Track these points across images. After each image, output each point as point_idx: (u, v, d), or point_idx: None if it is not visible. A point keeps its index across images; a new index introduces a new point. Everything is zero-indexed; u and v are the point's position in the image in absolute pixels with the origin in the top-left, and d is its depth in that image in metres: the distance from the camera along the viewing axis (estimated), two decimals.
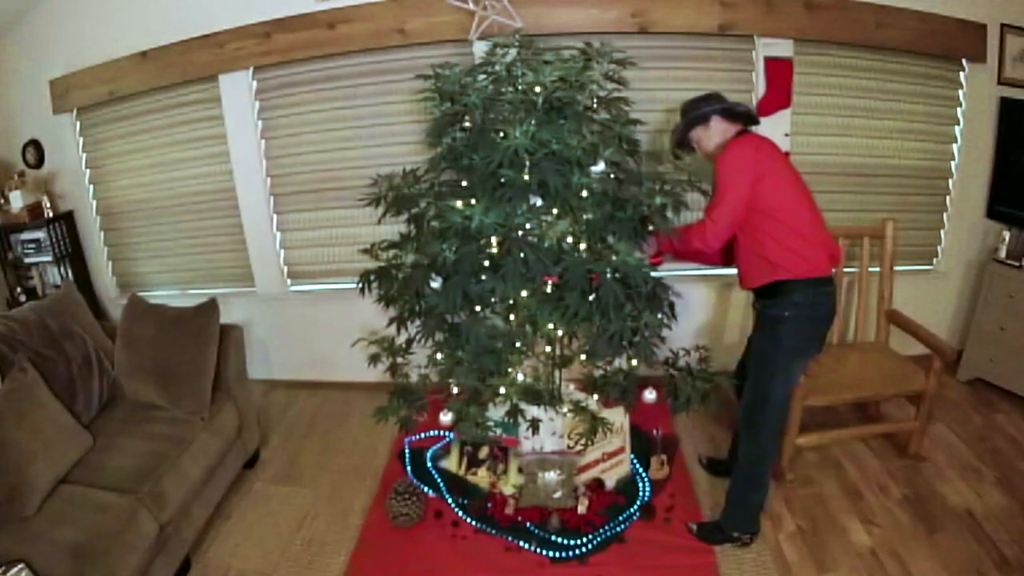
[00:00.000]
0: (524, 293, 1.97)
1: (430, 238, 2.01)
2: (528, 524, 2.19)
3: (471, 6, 2.52)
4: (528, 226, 1.94)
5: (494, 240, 1.87)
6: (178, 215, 3.27)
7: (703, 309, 3.06)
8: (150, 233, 3.34)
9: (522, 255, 1.85)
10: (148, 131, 3.15)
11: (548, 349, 2.23)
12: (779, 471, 2.41)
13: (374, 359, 2.28)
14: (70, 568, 1.64)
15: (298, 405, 3.21)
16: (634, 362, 2.09)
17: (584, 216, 1.96)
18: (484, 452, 2.45)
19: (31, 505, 1.81)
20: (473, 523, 2.23)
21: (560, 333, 2.10)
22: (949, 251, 3.10)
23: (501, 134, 1.88)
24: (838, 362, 2.53)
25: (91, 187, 3.32)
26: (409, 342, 2.25)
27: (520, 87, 1.92)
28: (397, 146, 2.93)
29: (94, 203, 3.35)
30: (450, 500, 2.34)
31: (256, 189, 3.09)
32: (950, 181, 3.02)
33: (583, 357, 2.12)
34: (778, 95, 2.77)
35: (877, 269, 2.68)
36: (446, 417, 2.37)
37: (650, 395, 2.37)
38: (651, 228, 1.99)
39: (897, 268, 2.69)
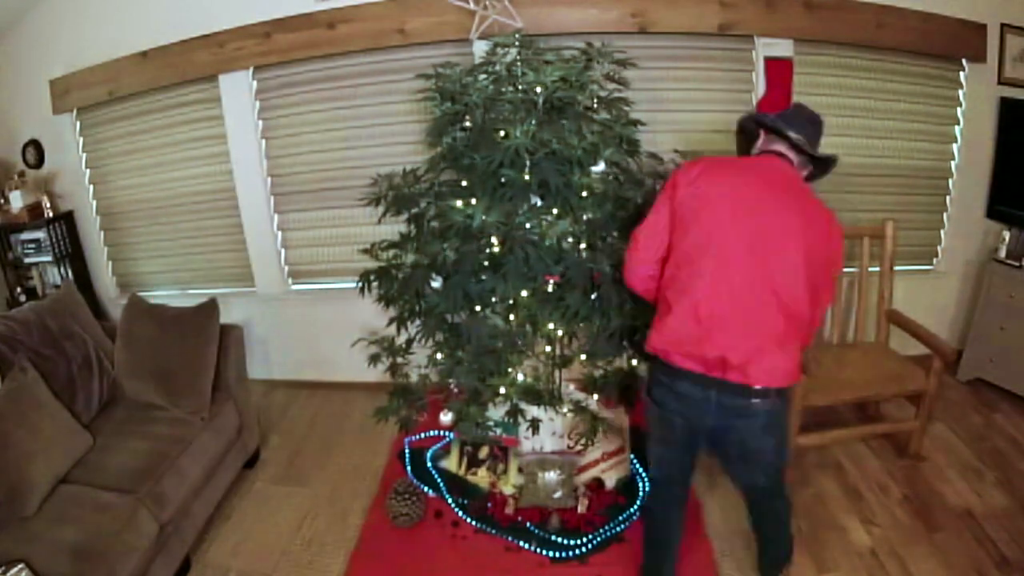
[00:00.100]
0: (524, 293, 1.97)
1: (430, 238, 2.02)
2: (528, 524, 2.19)
3: (471, 6, 2.52)
4: (528, 225, 1.94)
5: (495, 239, 1.87)
6: (178, 215, 3.26)
7: None
8: (150, 233, 3.34)
9: (523, 254, 1.85)
10: (148, 131, 3.15)
11: (548, 349, 2.23)
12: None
13: (374, 359, 2.28)
14: (70, 568, 1.64)
15: (298, 405, 3.21)
16: (634, 362, 2.10)
17: (584, 216, 1.97)
18: (484, 452, 2.45)
19: (31, 505, 1.81)
20: (473, 523, 2.23)
21: (560, 333, 2.10)
22: (949, 251, 3.10)
23: (502, 134, 1.88)
24: (838, 362, 2.53)
25: (91, 187, 3.32)
26: (409, 342, 2.25)
27: (521, 87, 1.92)
28: (397, 146, 2.93)
29: (94, 203, 3.35)
30: (450, 500, 2.33)
31: (256, 189, 3.08)
32: (950, 181, 3.02)
33: (583, 357, 2.12)
34: (778, 95, 2.77)
35: (877, 269, 2.68)
36: (446, 417, 2.37)
37: None
38: None
39: (897, 268, 2.69)
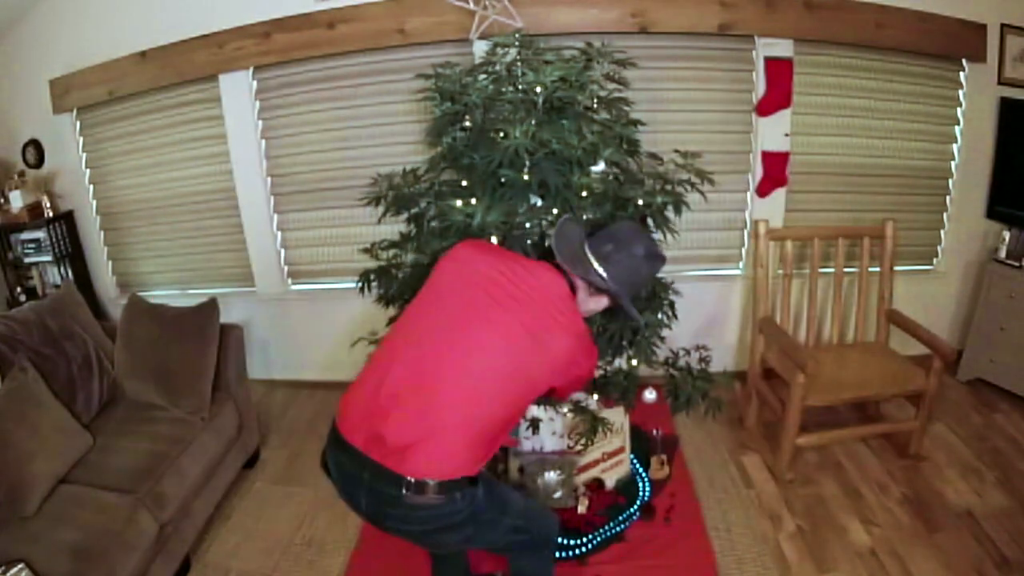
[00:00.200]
0: None
1: (430, 237, 2.01)
2: None
3: (471, 6, 2.52)
4: (528, 225, 1.94)
5: (495, 239, 1.87)
6: (178, 215, 3.26)
7: (703, 309, 3.06)
8: (150, 233, 3.34)
9: (523, 254, 1.85)
10: (148, 131, 3.15)
11: None
12: (779, 471, 2.42)
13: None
14: (70, 568, 1.64)
15: (298, 405, 3.21)
16: (634, 362, 2.09)
17: (584, 216, 1.96)
18: None
19: (31, 505, 1.81)
20: None
21: None
22: (949, 251, 3.10)
23: (501, 134, 1.88)
24: (838, 362, 2.53)
25: (91, 187, 3.32)
26: None
27: (520, 87, 1.92)
28: (397, 146, 2.93)
29: (94, 203, 3.35)
30: None
31: (256, 189, 3.09)
32: (950, 181, 3.02)
33: None
34: (778, 95, 2.77)
35: (877, 269, 2.68)
36: None
37: (650, 395, 2.38)
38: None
39: (897, 268, 2.69)
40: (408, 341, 1.37)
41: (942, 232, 3.10)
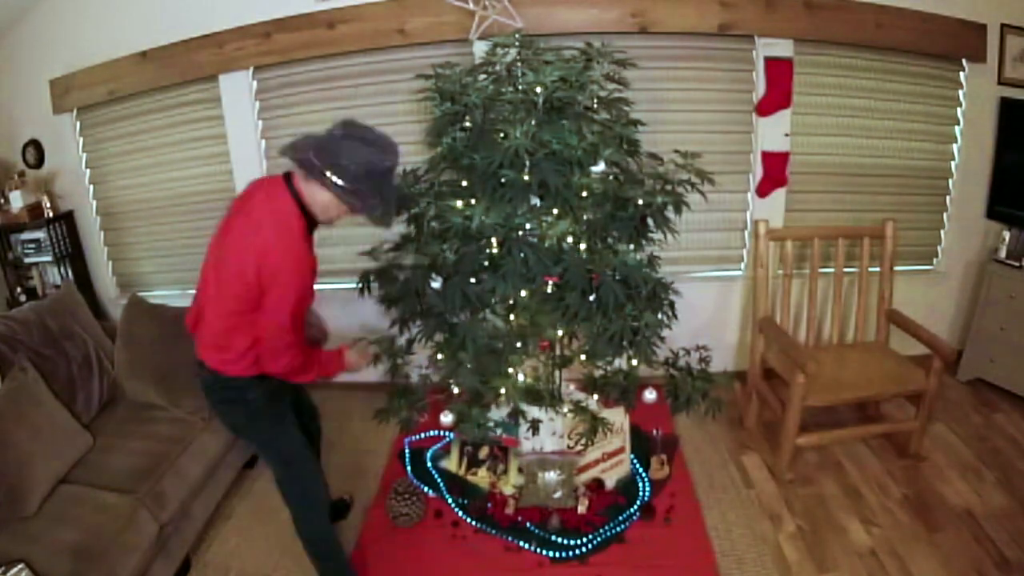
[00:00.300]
0: (524, 293, 1.97)
1: (430, 238, 2.02)
2: (528, 524, 2.19)
3: (471, 6, 2.52)
4: (528, 226, 1.94)
5: (494, 240, 1.87)
6: (178, 215, 3.26)
7: (703, 309, 3.06)
8: (150, 233, 3.34)
9: (522, 255, 1.85)
10: (148, 131, 3.15)
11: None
12: (779, 471, 2.42)
13: (374, 359, 2.28)
14: (70, 568, 1.64)
15: None
16: (634, 362, 2.09)
17: (584, 216, 1.97)
18: (484, 452, 2.45)
19: (31, 505, 1.81)
20: (473, 523, 2.23)
21: (560, 333, 2.10)
22: (949, 251, 3.10)
23: (501, 134, 1.88)
24: (838, 362, 2.53)
25: (91, 187, 3.32)
26: (410, 343, 2.25)
27: (520, 87, 1.92)
28: (397, 146, 2.92)
29: (94, 203, 3.35)
30: (450, 500, 2.34)
31: None
32: (950, 181, 3.02)
33: (583, 357, 2.12)
34: (778, 95, 2.77)
35: (877, 269, 2.68)
36: (447, 418, 2.37)
37: (650, 395, 2.38)
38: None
39: (897, 268, 2.69)
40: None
41: (942, 232, 3.10)
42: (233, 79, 2.93)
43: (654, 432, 2.52)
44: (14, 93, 3.22)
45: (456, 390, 2.23)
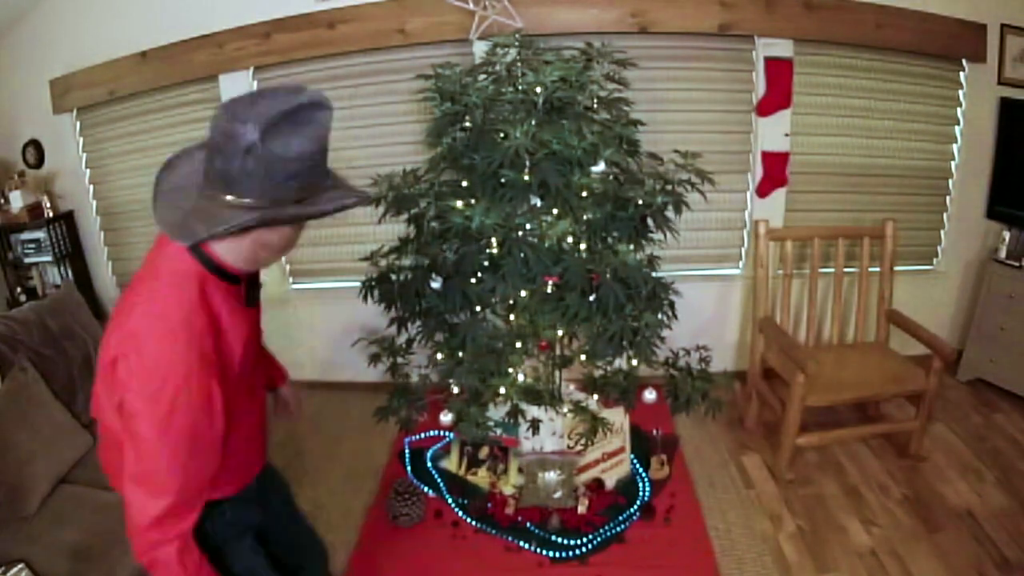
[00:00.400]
0: (524, 293, 1.97)
1: (430, 239, 2.02)
2: (528, 524, 2.19)
3: (471, 6, 2.52)
4: (528, 226, 1.94)
5: (494, 240, 1.87)
6: None
7: (703, 309, 3.06)
8: (150, 233, 3.31)
9: (522, 255, 1.86)
10: (148, 131, 3.15)
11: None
12: (779, 471, 2.42)
13: (374, 359, 2.28)
14: (70, 568, 1.64)
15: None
16: (634, 362, 2.10)
17: (584, 216, 1.97)
18: (484, 452, 2.45)
19: (31, 505, 1.81)
20: (473, 523, 2.23)
21: (560, 333, 2.10)
22: (949, 251, 3.10)
23: (501, 134, 1.88)
24: (838, 362, 2.53)
25: (91, 187, 3.32)
26: (409, 342, 2.25)
27: (520, 87, 1.92)
28: (397, 146, 2.93)
29: (94, 203, 3.35)
30: (450, 500, 2.34)
31: None
32: (950, 181, 3.02)
33: (583, 357, 2.12)
34: (778, 95, 2.77)
35: (877, 269, 2.68)
36: (446, 417, 2.37)
37: (650, 395, 2.38)
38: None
39: (897, 268, 2.69)
40: None
41: (942, 232, 3.10)
42: (233, 79, 2.93)
43: (654, 432, 2.52)
44: (14, 93, 3.22)
45: (456, 390, 2.23)
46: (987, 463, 2.46)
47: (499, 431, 2.21)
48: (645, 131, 2.20)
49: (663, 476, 2.41)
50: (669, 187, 1.98)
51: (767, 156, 2.85)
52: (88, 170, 3.30)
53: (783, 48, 2.73)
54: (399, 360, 2.29)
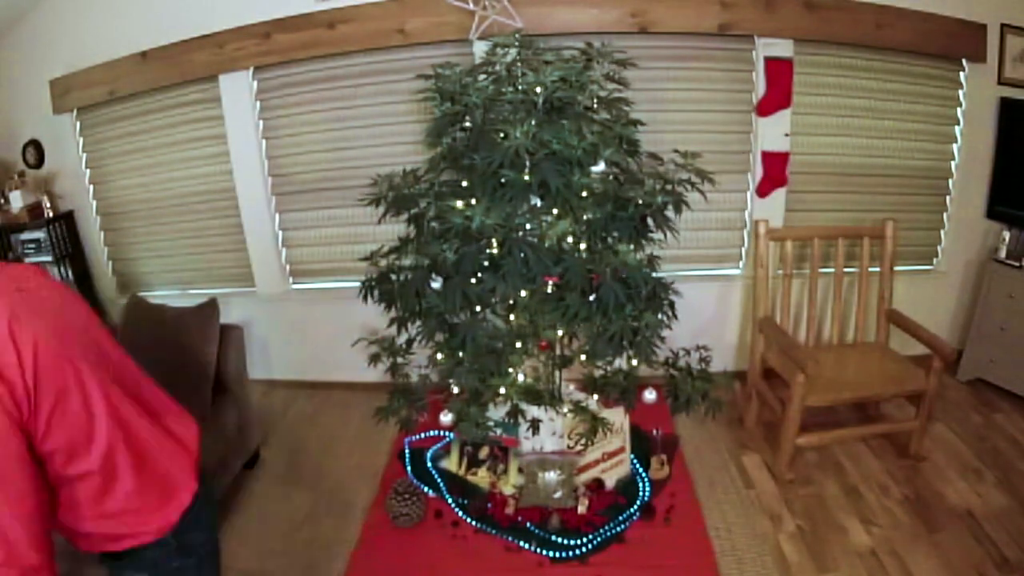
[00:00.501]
0: (524, 293, 1.97)
1: (430, 238, 2.02)
2: (528, 524, 2.19)
3: (471, 6, 2.52)
4: (528, 226, 1.94)
5: (494, 240, 1.87)
6: (178, 215, 3.27)
7: (703, 309, 3.06)
8: (150, 233, 3.34)
9: (522, 255, 1.86)
10: (148, 131, 3.15)
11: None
12: (779, 471, 2.42)
13: (374, 359, 2.28)
14: (70, 568, 1.64)
15: (298, 405, 3.21)
16: (634, 362, 2.10)
17: (584, 216, 1.97)
18: (484, 452, 2.45)
19: None
20: (473, 523, 2.23)
21: (560, 333, 2.10)
22: (949, 251, 3.10)
23: (501, 134, 1.88)
24: (838, 362, 2.53)
25: (91, 187, 3.32)
26: (409, 342, 2.25)
27: (520, 87, 1.92)
28: (397, 146, 2.93)
29: (94, 203, 3.35)
30: (450, 500, 2.34)
31: (256, 189, 3.09)
32: (950, 181, 3.02)
33: (583, 357, 2.12)
34: (778, 95, 2.77)
35: (877, 269, 2.68)
36: (446, 417, 2.37)
37: (650, 395, 2.38)
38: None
39: (897, 268, 2.69)
40: None
41: (942, 232, 3.10)
42: (233, 79, 2.93)
43: (654, 432, 2.52)
44: (14, 93, 3.22)
45: (456, 390, 2.24)
46: (987, 463, 2.46)
47: (499, 431, 2.21)
48: (645, 131, 2.20)
49: (663, 476, 2.41)
50: (669, 187, 1.98)
51: (767, 156, 2.85)
52: (88, 170, 3.30)
53: (783, 48, 2.73)
54: (399, 360, 2.29)
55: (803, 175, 2.94)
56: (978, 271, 3.06)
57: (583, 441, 2.23)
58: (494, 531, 2.19)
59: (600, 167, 1.94)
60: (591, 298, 1.90)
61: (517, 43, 2.01)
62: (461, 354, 2.05)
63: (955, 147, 2.96)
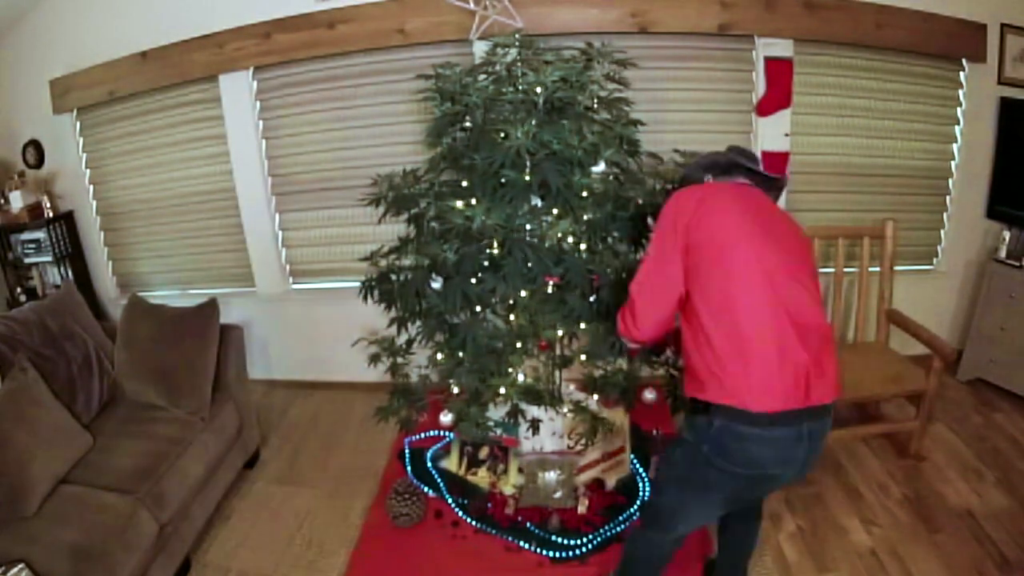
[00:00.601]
0: (524, 293, 1.97)
1: (430, 239, 2.02)
2: (528, 524, 2.19)
3: (471, 6, 2.52)
4: (529, 227, 1.94)
5: (495, 241, 1.87)
6: (178, 215, 3.27)
7: None
8: (150, 233, 3.34)
9: (523, 255, 1.86)
10: (148, 131, 3.15)
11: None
12: None
13: (374, 359, 2.28)
14: (70, 568, 1.64)
15: (298, 405, 3.21)
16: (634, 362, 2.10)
17: (585, 216, 1.97)
18: (484, 452, 2.45)
19: (31, 505, 1.81)
20: (473, 523, 2.23)
21: (560, 333, 2.10)
22: (949, 251, 3.10)
23: (502, 134, 1.88)
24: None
25: (91, 187, 3.32)
26: (409, 342, 2.25)
27: (521, 87, 1.92)
28: (397, 146, 2.93)
29: (94, 203, 3.35)
30: (450, 500, 2.33)
31: (256, 189, 3.09)
32: (950, 181, 3.02)
33: (583, 357, 2.12)
34: (778, 95, 2.77)
35: (877, 269, 2.68)
36: (446, 417, 2.37)
37: (650, 395, 2.38)
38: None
39: (897, 268, 2.69)
40: (759, 302, 1.30)
41: (942, 232, 3.10)
42: (233, 79, 2.93)
43: (654, 432, 2.52)
44: (14, 93, 3.22)
45: (456, 390, 2.24)
46: (987, 463, 2.46)
47: (499, 431, 2.21)
48: (645, 131, 2.20)
49: None
50: (669, 187, 1.98)
51: (767, 156, 2.85)
52: (88, 170, 3.30)
53: (783, 48, 2.73)
54: (399, 360, 2.29)
55: (803, 175, 2.94)
56: (978, 271, 3.06)
57: (583, 441, 2.23)
58: (494, 531, 2.19)
59: (600, 167, 1.94)
60: (591, 299, 1.91)
61: (517, 43, 2.01)
62: (461, 354, 2.05)
63: (955, 147, 2.96)
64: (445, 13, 2.61)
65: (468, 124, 1.99)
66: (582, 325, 2.03)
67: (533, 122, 1.85)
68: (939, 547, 2.05)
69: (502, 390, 2.10)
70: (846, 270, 2.68)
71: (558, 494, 2.26)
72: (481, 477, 2.41)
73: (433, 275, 1.99)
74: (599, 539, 2.12)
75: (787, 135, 2.82)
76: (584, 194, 1.91)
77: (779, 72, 2.75)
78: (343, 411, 3.11)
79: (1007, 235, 2.83)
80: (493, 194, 1.89)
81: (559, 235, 1.91)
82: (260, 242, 3.17)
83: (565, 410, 2.26)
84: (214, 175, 3.15)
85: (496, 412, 2.24)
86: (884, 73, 2.84)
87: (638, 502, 2.28)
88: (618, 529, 2.16)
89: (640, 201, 1.94)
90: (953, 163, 2.99)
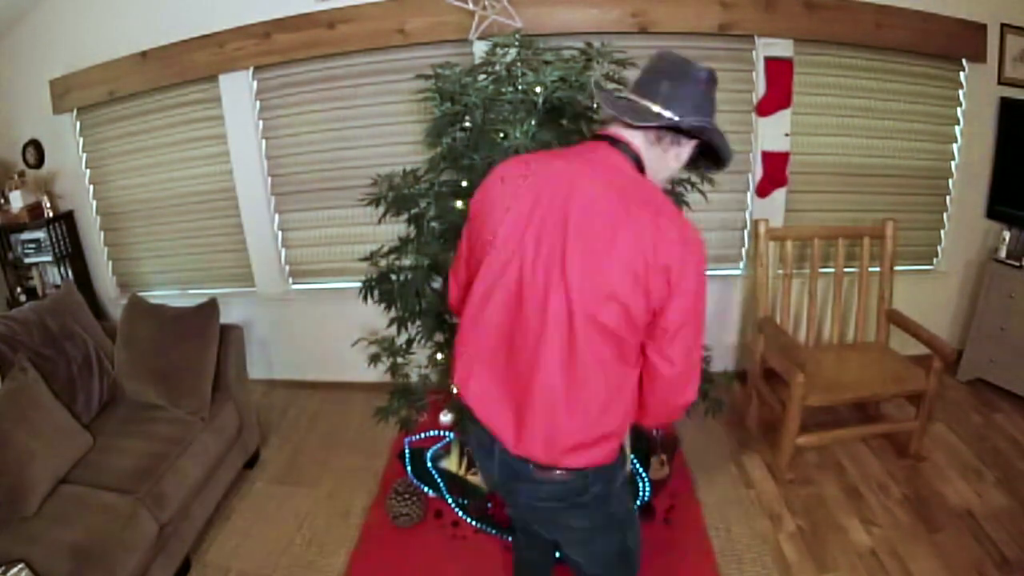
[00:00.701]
0: None
1: (430, 238, 2.02)
2: None
3: (471, 6, 2.52)
4: None
5: None
6: (178, 215, 3.27)
7: None
8: (150, 233, 3.34)
9: None
10: (148, 131, 3.15)
11: None
12: (779, 471, 2.42)
13: (374, 359, 2.28)
14: (70, 568, 1.64)
15: (298, 405, 3.21)
16: None
17: None
18: None
19: (31, 505, 1.81)
20: (473, 523, 2.23)
21: None
22: (949, 251, 3.10)
23: (501, 134, 1.88)
24: (838, 362, 2.53)
25: (91, 187, 3.32)
26: (409, 342, 2.25)
27: (520, 87, 1.92)
28: (397, 146, 2.93)
29: (94, 203, 3.35)
30: (450, 500, 2.33)
31: (256, 189, 3.09)
32: (950, 181, 3.02)
33: None
34: (778, 95, 2.77)
35: (877, 269, 2.68)
36: (446, 417, 2.37)
37: None
38: None
39: (897, 268, 2.69)
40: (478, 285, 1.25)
41: (942, 232, 3.10)
42: (233, 79, 2.93)
43: (654, 432, 2.52)
44: (14, 93, 3.22)
45: (456, 389, 2.23)
46: (987, 463, 2.46)
47: None
48: None
49: (663, 476, 2.41)
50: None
51: (767, 156, 2.85)
52: (88, 170, 3.30)
53: (783, 48, 2.73)
54: (399, 360, 2.29)
55: (803, 175, 2.94)
56: (978, 271, 3.06)
57: None
58: (494, 531, 2.18)
59: None
60: None
61: (517, 43, 2.01)
62: None
63: (955, 147, 2.96)
64: (445, 13, 2.61)
65: (468, 124, 1.99)
66: None
67: (532, 122, 1.85)
68: (939, 547, 2.05)
69: None
70: (846, 270, 2.68)
71: None
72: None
73: (433, 275, 1.99)
74: None
75: (787, 135, 2.82)
76: None
77: (779, 72, 2.75)
78: (343, 411, 3.11)
79: (1007, 235, 2.83)
80: None
81: None
82: (260, 242, 3.17)
83: None
84: (214, 175, 3.15)
85: None
86: (884, 73, 2.84)
87: (638, 502, 2.28)
88: None
89: None
90: (953, 163, 2.99)
